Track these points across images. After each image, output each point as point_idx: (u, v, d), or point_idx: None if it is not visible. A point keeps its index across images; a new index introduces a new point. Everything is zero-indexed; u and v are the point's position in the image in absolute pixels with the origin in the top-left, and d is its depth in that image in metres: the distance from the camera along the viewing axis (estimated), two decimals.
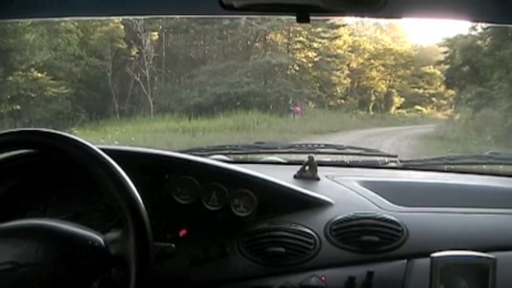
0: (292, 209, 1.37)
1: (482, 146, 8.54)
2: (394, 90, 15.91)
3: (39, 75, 10.96)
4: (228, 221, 1.34)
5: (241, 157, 1.84)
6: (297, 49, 14.17)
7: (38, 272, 0.95)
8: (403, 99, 15.90)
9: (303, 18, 1.09)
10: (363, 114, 14.41)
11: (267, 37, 14.09)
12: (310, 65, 14.24)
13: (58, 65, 11.47)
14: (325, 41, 14.42)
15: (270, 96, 12.97)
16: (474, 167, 1.80)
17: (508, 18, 1.22)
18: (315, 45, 14.24)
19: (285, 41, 14.25)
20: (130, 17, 9.69)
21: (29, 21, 8.86)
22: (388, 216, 1.35)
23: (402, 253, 1.30)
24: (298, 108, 12.48)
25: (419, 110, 15.85)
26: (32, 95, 10.90)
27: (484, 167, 1.78)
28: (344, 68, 15.04)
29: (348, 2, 1.01)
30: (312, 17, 1.08)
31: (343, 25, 14.55)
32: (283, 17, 8.56)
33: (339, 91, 14.98)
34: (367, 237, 1.31)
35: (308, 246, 1.30)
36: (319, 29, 13.98)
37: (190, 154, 1.51)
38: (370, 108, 15.29)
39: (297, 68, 14.08)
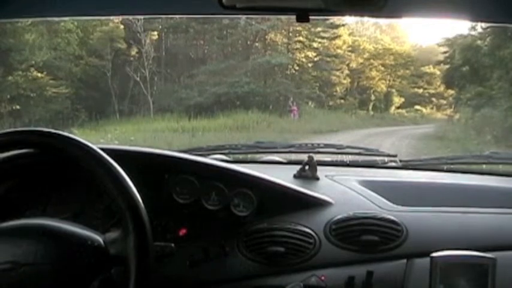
0: (292, 209, 1.38)
1: (482, 145, 8.53)
2: (393, 90, 15.89)
3: (39, 75, 10.93)
4: (227, 220, 1.35)
5: (240, 157, 1.84)
6: (297, 49, 14.14)
7: (37, 271, 0.95)
8: (402, 99, 15.88)
9: (302, 18, 1.09)
10: (362, 114, 14.39)
11: (266, 37, 14.07)
12: (309, 64, 14.21)
13: (58, 65, 11.44)
14: (324, 40, 14.39)
15: (270, 96, 12.95)
16: (474, 167, 1.81)
17: (508, 18, 1.22)
18: (315, 45, 14.22)
19: (285, 40, 14.22)
20: (130, 17, 9.70)
21: (29, 21, 8.85)
22: (388, 216, 1.35)
23: (402, 253, 1.30)
24: (294, 109, 12.46)
25: (419, 110, 15.83)
26: (32, 95, 10.86)
27: (484, 166, 1.78)
28: (344, 67, 15.01)
29: (348, 2, 1.01)
30: (311, 17, 1.08)
31: (343, 25, 14.51)
32: (283, 17, 8.56)
33: (338, 91, 14.96)
34: (366, 237, 1.31)
35: (308, 246, 1.30)
36: (319, 29, 13.96)
37: (190, 154, 1.51)
38: (370, 108, 15.27)
39: (297, 68, 14.06)
